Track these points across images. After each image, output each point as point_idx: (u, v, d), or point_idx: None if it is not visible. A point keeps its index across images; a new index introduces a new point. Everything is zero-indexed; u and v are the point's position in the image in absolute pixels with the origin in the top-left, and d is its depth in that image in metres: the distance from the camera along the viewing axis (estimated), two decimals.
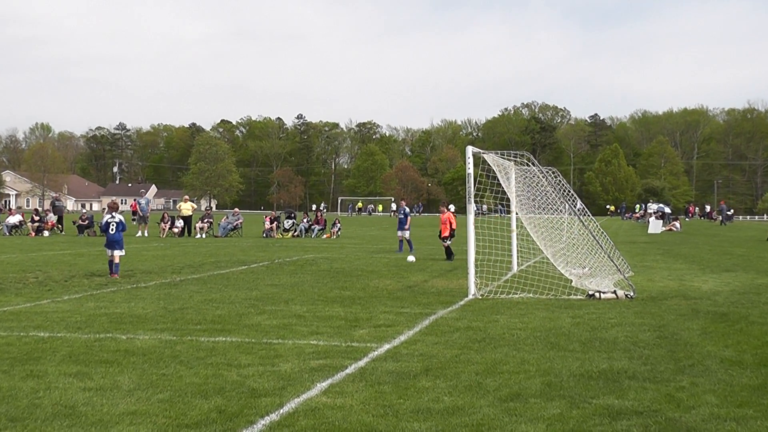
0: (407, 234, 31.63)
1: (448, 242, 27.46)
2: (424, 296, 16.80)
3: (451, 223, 27.76)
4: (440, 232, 28.00)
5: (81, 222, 45.10)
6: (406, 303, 15.64)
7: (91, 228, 44.16)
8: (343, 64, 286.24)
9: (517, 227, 22.28)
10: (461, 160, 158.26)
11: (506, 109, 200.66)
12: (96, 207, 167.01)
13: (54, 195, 54.20)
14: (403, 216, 31.99)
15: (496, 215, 21.41)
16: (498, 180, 19.53)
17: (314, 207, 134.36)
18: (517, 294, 16.86)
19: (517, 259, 22.85)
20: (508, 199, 20.58)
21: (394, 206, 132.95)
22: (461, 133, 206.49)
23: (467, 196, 16.98)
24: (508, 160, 20.51)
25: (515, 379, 9.01)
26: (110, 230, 20.77)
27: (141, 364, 9.75)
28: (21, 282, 19.25)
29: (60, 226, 46.91)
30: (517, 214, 21.30)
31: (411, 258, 26.98)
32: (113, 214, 21.04)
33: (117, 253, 20.53)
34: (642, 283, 19.50)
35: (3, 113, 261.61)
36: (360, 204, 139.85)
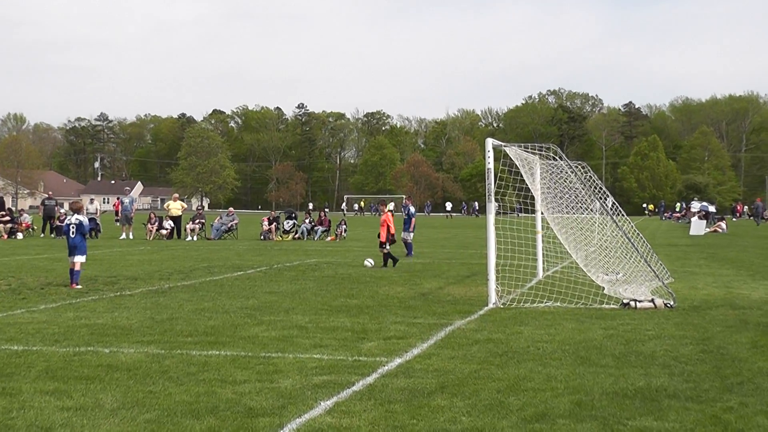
0: (410, 236, 31.56)
1: (387, 248, 26.52)
2: (439, 305, 16.78)
3: (389, 226, 26.90)
4: (379, 235, 27.07)
5: (59, 223, 45.24)
6: (420, 313, 15.63)
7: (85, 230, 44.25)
8: (348, 47, 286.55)
9: (542, 228, 22.24)
10: (480, 154, 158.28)
11: (530, 97, 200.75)
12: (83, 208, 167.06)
13: (48, 193, 53.96)
14: (406, 216, 31.98)
15: (519, 215, 21.35)
16: (521, 176, 19.49)
17: (310, 206, 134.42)
18: (542, 303, 16.83)
19: (543, 263, 22.80)
20: (532, 197, 20.53)
21: (391, 206, 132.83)
22: (480, 123, 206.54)
23: (487, 194, 16.94)
24: (533, 153, 20.46)
25: (541, 397, 8.98)
26: (71, 233, 20.16)
27: (125, 380, 9.76)
28: None
29: (35, 227, 46.96)
30: (542, 213, 21.25)
31: (368, 262, 26.61)
32: (74, 215, 20.49)
33: (78, 258, 19.94)
34: (683, 290, 19.44)
35: None
36: (362, 202, 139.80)
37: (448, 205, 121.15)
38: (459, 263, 28.19)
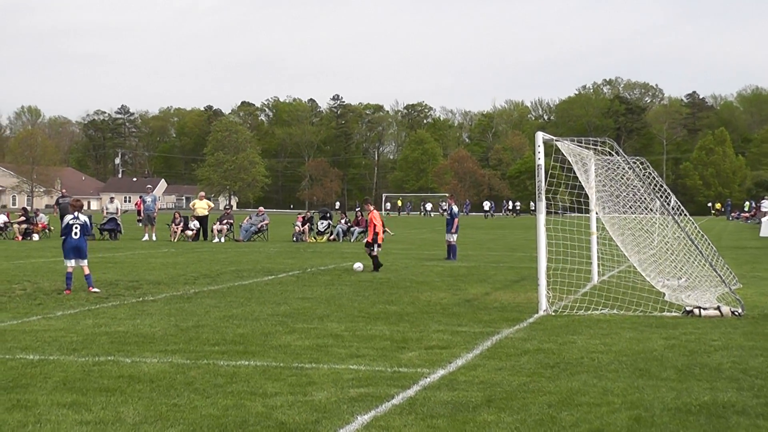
0: (453, 238, 31.42)
1: (376, 249, 26.32)
2: (485, 312, 16.75)
3: (374, 225, 26.62)
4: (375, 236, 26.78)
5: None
6: (464, 320, 15.61)
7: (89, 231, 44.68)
8: (388, 34, 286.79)
9: (597, 229, 22.14)
10: (529, 149, 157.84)
11: (584, 87, 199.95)
12: (95, 206, 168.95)
13: (62, 191, 54.44)
14: (449, 216, 31.80)
15: (572, 215, 21.26)
16: (574, 173, 19.41)
17: (337, 206, 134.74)
18: (597, 310, 16.75)
19: (598, 267, 22.70)
20: (586, 196, 20.43)
21: (429, 206, 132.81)
22: (530, 116, 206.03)
23: (537, 192, 16.89)
24: (587, 148, 20.37)
25: (596, 412, 8.94)
26: (73, 234, 20.06)
27: (148, 392, 9.83)
28: (6, 295, 19.52)
29: (52, 228, 47.41)
30: (597, 213, 21.16)
31: (357, 266, 26.35)
32: (76, 214, 20.36)
33: (83, 262, 19.97)
34: (752, 297, 19.26)
35: None
36: (399, 202, 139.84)
37: (486, 205, 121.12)
38: (506, 267, 28.12)
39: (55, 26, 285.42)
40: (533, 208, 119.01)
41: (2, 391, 9.89)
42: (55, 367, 11.23)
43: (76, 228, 20.10)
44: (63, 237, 20.34)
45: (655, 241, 23.34)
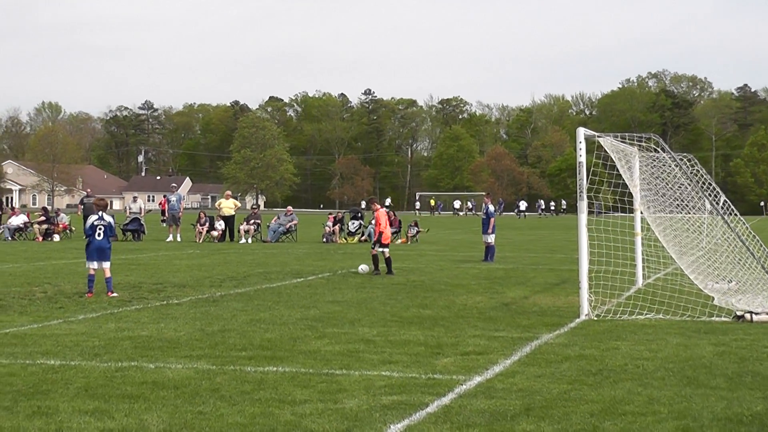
0: (490, 238, 31.33)
1: (377, 248, 26.04)
2: (524, 316, 16.72)
3: (379, 225, 26.29)
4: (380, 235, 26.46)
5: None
6: (502, 325, 15.59)
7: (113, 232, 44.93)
8: (421, 25, 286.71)
9: (642, 230, 22.04)
10: (570, 146, 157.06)
11: (628, 80, 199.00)
12: (117, 205, 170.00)
13: (87, 191, 54.84)
14: (485, 216, 31.71)
15: (615, 214, 21.18)
16: (617, 170, 19.33)
17: (363, 205, 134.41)
18: (642, 314, 16.68)
19: (643, 270, 22.59)
20: (630, 195, 20.35)
21: (457, 204, 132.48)
22: (570, 111, 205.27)
23: (578, 191, 16.83)
24: (631, 144, 20.29)
25: (641, 422, 8.90)
26: (97, 235, 20.12)
27: (173, 399, 9.88)
28: (26, 297, 19.68)
29: (73, 228, 47.68)
30: (641, 213, 21.06)
31: (362, 268, 26.28)
32: (101, 214, 20.41)
33: (106, 264, 20.04)
34: None
35: (2, 91, 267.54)
36: (432, 201, 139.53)
37: (523, 204, 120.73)
38: (546, 269, 28.05)
39: (76, 18, 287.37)
40: (565, 207, 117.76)
41: (23, 397, 9.98)
42: (77, 372, 11.31)
43: (101, 229, 20.15)
44: (87, 238, 20.46)
45: (703, 242, 23.21)
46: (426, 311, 17.49)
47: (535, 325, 15.64)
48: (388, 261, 25.90)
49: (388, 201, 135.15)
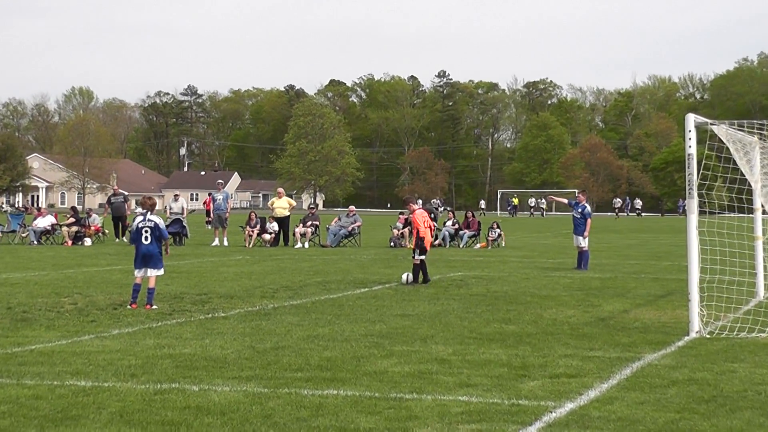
0: (584, 243, 30.99)
1: (417, 256, 25.69)
2: (623, 333, 16.61)
3: (418, 230, 25.93)
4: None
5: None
6: (598, 343, 15.50)
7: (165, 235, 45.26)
8: None
9: (763, 233, 21.76)
10: (678, 135, 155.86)
11: (746, 59, 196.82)
12: (157, 205, 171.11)
13: (114, 188, 55.59)
14: (579, 216, 31.32)
15: (732, 215, 20.93)
16: (734, 163, 19.11)
17: (438, 202, 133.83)
18: (764, 332, 16.48)
19: (765, 280, 22.30)
20: (749, 192, 20.10)
21: (532, 201, 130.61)
22: (678, 95, 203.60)
23: (687, 187, 16.66)
24: (750, 133, 20.04)
25: None
26: (143, 239, 20.23)
27: (219, 426, 9.94)
28: (54, 310, 19.92)
29: (106, 231, 48.13)
30: (764, 212, 20.80)
31: (405, 277, 25.98)
32: (147, 215, 20.54)
33: (153, 272, 20.21)
34: None
35: (28, 75, 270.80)
36: (516, 200, 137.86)
37: (617, 202, 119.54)
38: (650, 278, 27.83)
39: None
40: (617, 207, 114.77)
41: (50, 423, 10.09)
42: (111, 395, 11.42)
43: (147, 231, 20.26)
44: (132, 243, 20.64)
45: None
46: (509, 327, 17.44)
47: (636, 343, 15.53)
48: (420, 267, 25.73)
49: (482, 203, 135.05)
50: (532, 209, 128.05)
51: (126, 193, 52.43)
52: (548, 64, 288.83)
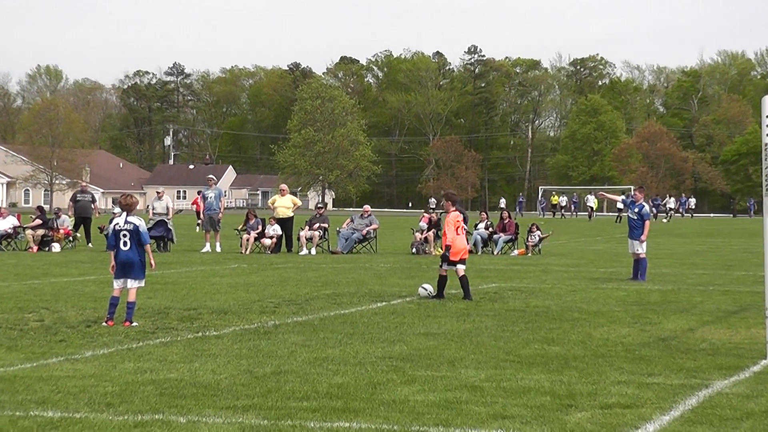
0: (640, 248, 30.80)
1: (446, 266, 25.54)
2: (687, 356, 16.59)
3: (446, 234, 25.71)
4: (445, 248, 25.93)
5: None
6: (658, 368, 15.48)
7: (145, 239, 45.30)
8: None
9: None
10: (754, 121, 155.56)
11: None
12: (138, 204, 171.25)
13: (82, 184, 55.47)
14: (636, 216, 31.18)
15: None
16: None
17: (431, 203, 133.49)
18: None
19: None
20: None
21: (563, 200, 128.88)
22: (753, 74, 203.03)
23: (764, 183, 16.61)
24: None
25: None
26: (121, 245, 20.18)
27: None
28: (17, 328, 19.92)
29: (77, 235, 48.12)
30: None
31: (423, 290, 26.09)
32: (125, 216, 20.53)
33: (133, 284, 20.21)
34: None
35: None
36: (555, 198, 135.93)
37: (671, 201, 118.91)
38: (719, 291, 27.77)
39: None
40: (694, 207, 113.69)
41: None
42: (83, 428, 11.44)
43: (125, 236, 20.22)
44: (108, 250, 20.60)
45: None
46: (553, 348, 17.43)
47: (703, 368, 15.50)
48: (445, 279, 25.61)
49: (502, 202, 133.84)
50: (562, 209, 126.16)
51: (93, 193, 52.29)
52: (599, 38, 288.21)
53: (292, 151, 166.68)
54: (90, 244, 47.14)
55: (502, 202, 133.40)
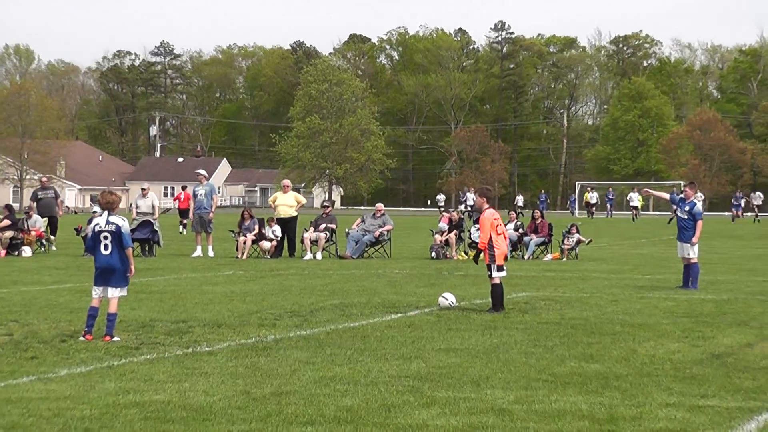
0: (692, 252, 30.73)
1: (495, 273, 25.32)
2: (746, 375, 16.59)
3: (491, 234, 25.40)
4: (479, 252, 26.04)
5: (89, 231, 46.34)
6: (712, 388, 15.49)
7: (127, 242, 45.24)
8: None
9: None
10: None
11: None
12: (120, 202, 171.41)
13: (43, 179, 55.22)
14: (687, 217, 31.08)
15: None
16: None
17: (440, 199, 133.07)
18: None
19: None
20: None
21: (593, 198, 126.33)
22: None
23: None
24: None
25: None
26: (102, 248, 20.17)
27: None
28: None
29: (48, 236, 48.14)
30: None
31: (444, 299, 26.00)
32: (107, 215, 20.52)
33: (114, 292, 20.22)
34: None
35: None
36: (588, 194, 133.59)
37: (739, 197, 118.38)
38: None
39: None
40: (757, 203, 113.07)
41: None
42: None
43: (106, 238, 20.20)
44: (86, 254, 20.59)
45: None
46: (591, 365, 17.45)
47: (764, 388, 15.52)
48: (499, 288, 25.51)
49: (519, 200, 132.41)
50: (592, 207, 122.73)
51: (55, 188, 52.25)
52: (644, 13, 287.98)
53: (294, 142, 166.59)
54: (53, 247, 47.04)
55: (519, 200, 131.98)
